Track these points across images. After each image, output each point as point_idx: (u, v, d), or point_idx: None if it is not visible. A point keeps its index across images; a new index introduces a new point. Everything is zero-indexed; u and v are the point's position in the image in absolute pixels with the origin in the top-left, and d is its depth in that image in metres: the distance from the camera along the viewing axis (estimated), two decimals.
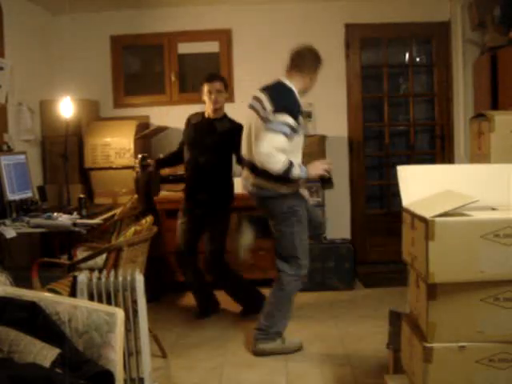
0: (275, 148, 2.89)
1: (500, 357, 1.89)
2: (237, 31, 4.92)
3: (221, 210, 3.81)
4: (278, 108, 2.96)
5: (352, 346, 3.27)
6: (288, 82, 3.11)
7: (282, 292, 3.18)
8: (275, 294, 3.21)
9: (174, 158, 4.04)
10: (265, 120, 2.99)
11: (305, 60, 3.15)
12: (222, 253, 3.81)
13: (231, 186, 3.87)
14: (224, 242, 3.81)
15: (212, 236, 3.78)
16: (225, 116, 3.80)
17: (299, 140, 3.08)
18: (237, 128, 3.55)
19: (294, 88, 3.09)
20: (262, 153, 2.92)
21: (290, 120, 2.93)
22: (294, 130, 2.95)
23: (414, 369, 2.06)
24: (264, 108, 3.02)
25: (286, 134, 2.91)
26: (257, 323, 3.24)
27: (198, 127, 3.77)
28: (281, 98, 3.02)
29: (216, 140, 3.71)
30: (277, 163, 2.89)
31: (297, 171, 2.94)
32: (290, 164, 2.91)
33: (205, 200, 3.75)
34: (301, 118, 3.05)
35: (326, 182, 3.12)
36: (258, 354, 3.17)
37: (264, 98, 3.05)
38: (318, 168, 3.07)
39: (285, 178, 2.96)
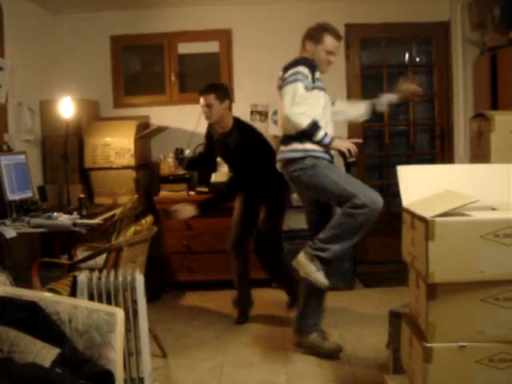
0: (296, 96, 2.80)
1: (500, 357, 1.89)
2: (237, 31, 4.92)
3: (276, 196, 3.66)
4: (289, 67, 2.93)
5: (352, 346, 3.27)
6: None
7: (352, 218, 2.84)
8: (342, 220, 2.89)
9: (202, 164, 4.10)
10: (281, 86, 2.95)
11: (309, 30, 3.10)
12: (278, 234, 3.75)
13: (277, 178, 3.29)
14: (280, 223, 3.75)
15: (269, 215, 3.68)
16: (233, 129, 3.60)
17: (320, 96, 2.97)
18: (248, 140, 3.57)
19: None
20: (284, 113, 2.83)
21: (301, 68, 2.86)
22: (307, 77, 2.86)
23: (413, 369, 2.06)
24: (280, 79, 2.99)
25: (301, 81, 2.83)
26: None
27: (220, 145, 3.70)
28: (292, 62, 2.97)
29: (235, 158, 3.63)
30: (302, 117, 2.81)
31: (322, 133, 2.85)
32: (317, 123, 2.84)
33: (258, 196, 3.71)
34: (318, 73, 2.96)
35: (349, 164, 2.97)
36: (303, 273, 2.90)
37: (281, 72, 3.01)
38: (343, 143, 2.93)
39: (309, 135, 2.84)
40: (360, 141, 3.05)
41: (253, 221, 3.75)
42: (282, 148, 3.02)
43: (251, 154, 3.56)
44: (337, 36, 3.09)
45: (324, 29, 3.07)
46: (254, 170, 3.58)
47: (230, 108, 3.63)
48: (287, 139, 2.98)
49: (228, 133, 3.60)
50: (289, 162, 2.97)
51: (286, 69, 2.96)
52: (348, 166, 2.99)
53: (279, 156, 3.06)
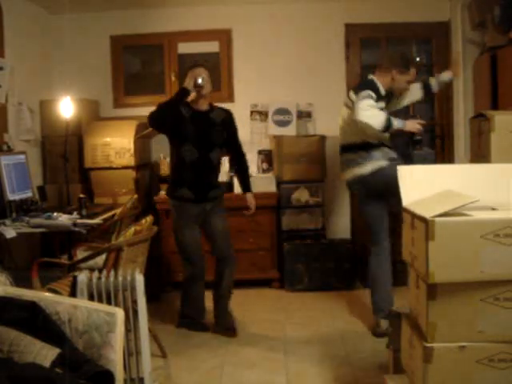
0: (368, 106, 3.19)
1: (500, 357, 1.89)
2: (237, 31, 4.92)
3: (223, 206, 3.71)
4: (358, 90, 3.32)
5: (352, 346, 3.27)
6: (372, 77, 3.49)
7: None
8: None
9: None
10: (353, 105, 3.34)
11: (386, 60, 3.60)
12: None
13: None
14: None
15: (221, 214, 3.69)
16: (212, 106, 3.59)
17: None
18: (233, 117, 3.66)
19: (376, 80, 3.45)
20: (360, 115, 3.18)
21: (370, 92, 3.26)
22: (376, 100, 3.26)
23: (413, 369, 2.06)
24: (351, 100, 3.39)
25: (372, 97, 3.24)
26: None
27: (197, 121, 3.49)
28: (361, 86, 3.42)
29: (218, 133, 3.56)
30: (378, 116, 3.18)
31: (396, 121, 3.22)
32: (389, 115, 3.24)
33: (214, 196, 3.61)
34: (382, 103, 3.38)
35: (416, 142, 3.38)
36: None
37: (351, 93, 3.43)
38: (414, 125, 3.30)
39: (387, 128, 3.20)
40: (423, 122, 3.37)
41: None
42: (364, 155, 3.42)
43: (236, 130, 3.67)
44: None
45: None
46: (236, 148, 3.70)
47: None
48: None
49: (210, 109, 3.55)
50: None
51: (354, 89, 3.42)
52: (414, 144, 3.40)
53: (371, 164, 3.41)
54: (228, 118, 3.61)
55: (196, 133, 3.45)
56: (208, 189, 3.54)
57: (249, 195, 3.69)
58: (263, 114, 4.89)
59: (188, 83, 3.37)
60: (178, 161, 3.51)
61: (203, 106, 3.51)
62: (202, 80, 3.37)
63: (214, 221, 3.58)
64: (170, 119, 3.41)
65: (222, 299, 3.64)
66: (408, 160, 3.37)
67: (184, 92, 3.37)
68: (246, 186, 3.72)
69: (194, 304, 3.69)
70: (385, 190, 3.29)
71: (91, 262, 2.96)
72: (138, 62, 5.25)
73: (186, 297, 3.70)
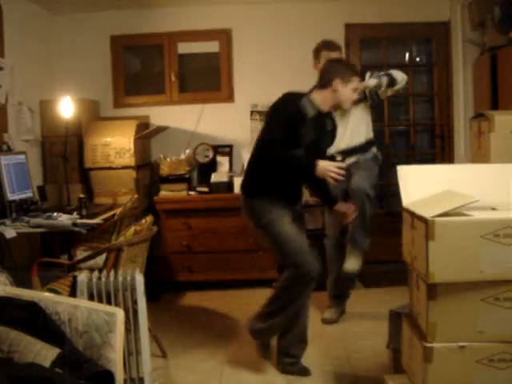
0: None
1: (500, 357, 1.89)
2: (237, 31, 4.92)
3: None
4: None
5: (352, 346, 3.27)
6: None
7: None
8: None
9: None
10: None
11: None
12: None
13: None
14: None
15: None
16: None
17: None
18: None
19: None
20: None
21: None
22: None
23: (414, 369, 2.06)
24: None
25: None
26: None
27: (315, 124, 2.90)
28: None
29: (327, 141, 3.06)
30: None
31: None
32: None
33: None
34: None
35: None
36: None
37: None
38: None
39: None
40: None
41: None
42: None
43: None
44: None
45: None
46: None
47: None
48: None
49: (327, 112, 2.98)
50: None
51: None
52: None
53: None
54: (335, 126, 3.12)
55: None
56: None
57: (338, 205, 3.11)
58: (263, 114, 4.89)
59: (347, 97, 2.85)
60: None
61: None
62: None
63: None
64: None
65: None
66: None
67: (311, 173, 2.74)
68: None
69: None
70: None
71: (91, 262, 2.96)
72: (137, 62, 5.25)
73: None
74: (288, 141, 2.74)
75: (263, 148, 2.80)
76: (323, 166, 2.69)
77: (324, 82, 2.88)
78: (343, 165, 2.85)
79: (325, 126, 2.97)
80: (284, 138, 2.72)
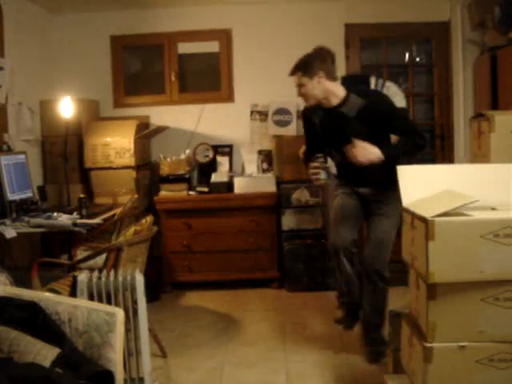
0: None
1: (500, 357, 1.89)
2: (237, 31, 4.92)
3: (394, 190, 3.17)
4: None
5: (352, 346, 3.27)
6: None
7: None
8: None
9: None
10: None
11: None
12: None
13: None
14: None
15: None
16: (347, 95, 3.01)
17: None
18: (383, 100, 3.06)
19: None
20: None
21: None
22: None
23: (414, 369, 2.06)
24: None
25: None
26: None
27: (329, 120, 3.06)
28: None
29: (355, 127, 2.98)
30: None
31: None
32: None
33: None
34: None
35: None
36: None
37: None
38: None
39: None
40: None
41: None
42: None
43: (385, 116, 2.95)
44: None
45: None
46: (383, 139, 2.98)
47: (330, 76, 3.05)
48: None
49: (342, 103, 3.00)
50: None
51: None
52: None
53: None
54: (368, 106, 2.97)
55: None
56: None
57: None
58: (263, 114, 4.89)
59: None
60: None
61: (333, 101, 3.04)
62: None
63: None
64: None
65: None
66: None
67: None
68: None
69: None
70: None
71: (91, 262, 2.96)
72: (137, 62, 5.25)
73: None
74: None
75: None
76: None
77: None
78: (318, 164, 2.96)
79: (341, 116, 2.99)
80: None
